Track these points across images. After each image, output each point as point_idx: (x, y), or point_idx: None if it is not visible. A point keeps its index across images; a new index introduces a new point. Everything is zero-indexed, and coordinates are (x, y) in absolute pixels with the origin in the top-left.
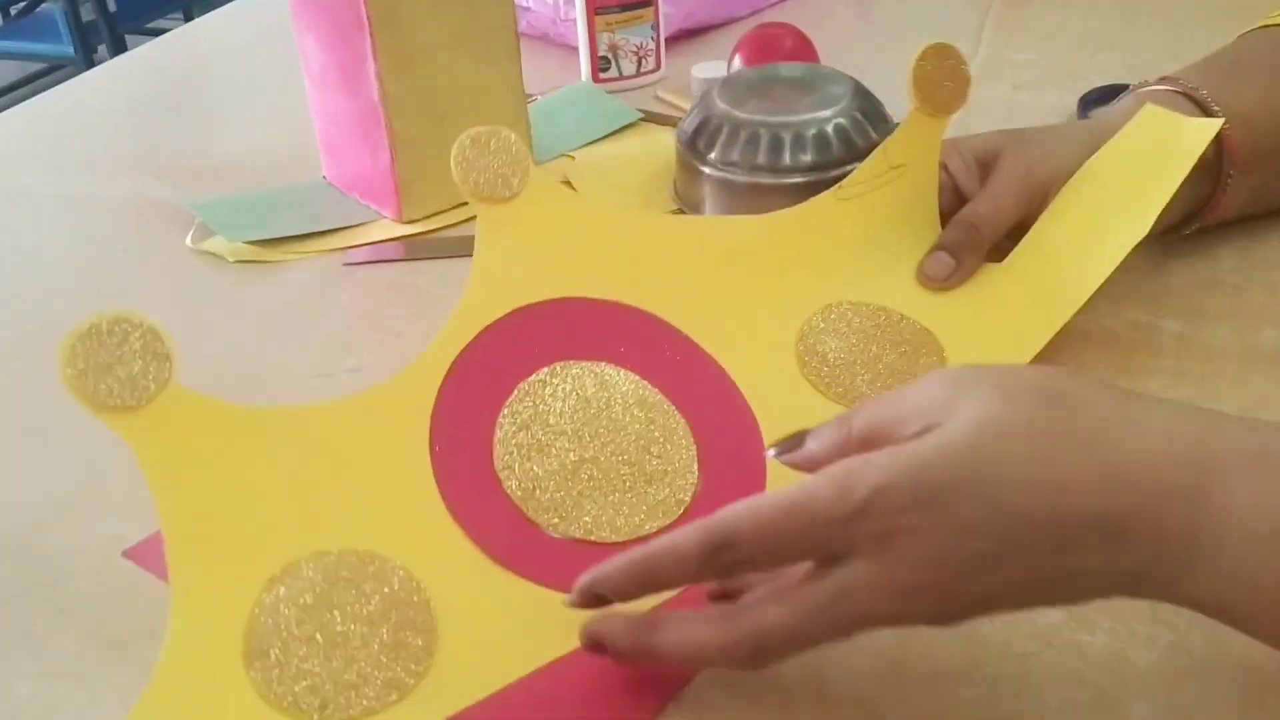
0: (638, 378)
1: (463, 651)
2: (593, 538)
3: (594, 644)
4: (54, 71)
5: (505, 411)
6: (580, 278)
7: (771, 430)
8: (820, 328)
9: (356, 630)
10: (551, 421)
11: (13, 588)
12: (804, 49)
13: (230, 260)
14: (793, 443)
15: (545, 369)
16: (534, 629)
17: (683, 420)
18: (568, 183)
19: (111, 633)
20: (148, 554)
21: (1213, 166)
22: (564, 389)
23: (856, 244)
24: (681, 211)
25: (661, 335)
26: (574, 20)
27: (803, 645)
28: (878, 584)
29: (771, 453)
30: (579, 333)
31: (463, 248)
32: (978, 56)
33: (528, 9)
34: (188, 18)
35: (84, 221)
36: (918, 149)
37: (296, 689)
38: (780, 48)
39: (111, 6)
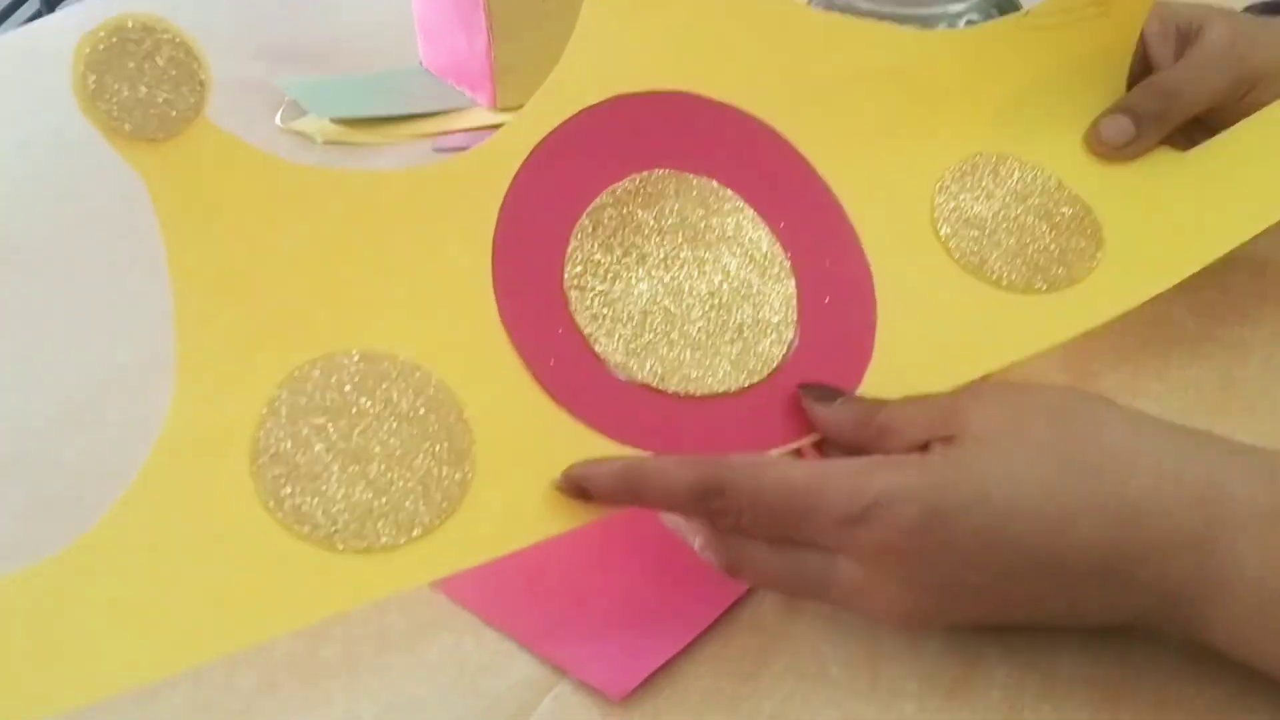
0: (745, 204)
1: (499, 494)
2: (664, 386)
3: (575, 488)
4: None
5: (586, 218)
6: (700, 70)
7: (887, 290)
8: (964, 178)
9: (384, 449)
10: (638, 240)
11: (68, 454)
12: None
13: (319, 141)
14: (825, 394)
15: (641, 174)
16: None
17: (788, 264)
18: None
19: None
20: None
21: None
22: (660, 203)
23: (1031, 85)
24: None
25: (781, 157)
26: None
27: (771, 589)
28: (859, 588)
29: (801, 392)
30: (688, 137)
31: None
32: None
33: None
34: None
35: None
36: None
37: (305, 502)
38: None
39: None
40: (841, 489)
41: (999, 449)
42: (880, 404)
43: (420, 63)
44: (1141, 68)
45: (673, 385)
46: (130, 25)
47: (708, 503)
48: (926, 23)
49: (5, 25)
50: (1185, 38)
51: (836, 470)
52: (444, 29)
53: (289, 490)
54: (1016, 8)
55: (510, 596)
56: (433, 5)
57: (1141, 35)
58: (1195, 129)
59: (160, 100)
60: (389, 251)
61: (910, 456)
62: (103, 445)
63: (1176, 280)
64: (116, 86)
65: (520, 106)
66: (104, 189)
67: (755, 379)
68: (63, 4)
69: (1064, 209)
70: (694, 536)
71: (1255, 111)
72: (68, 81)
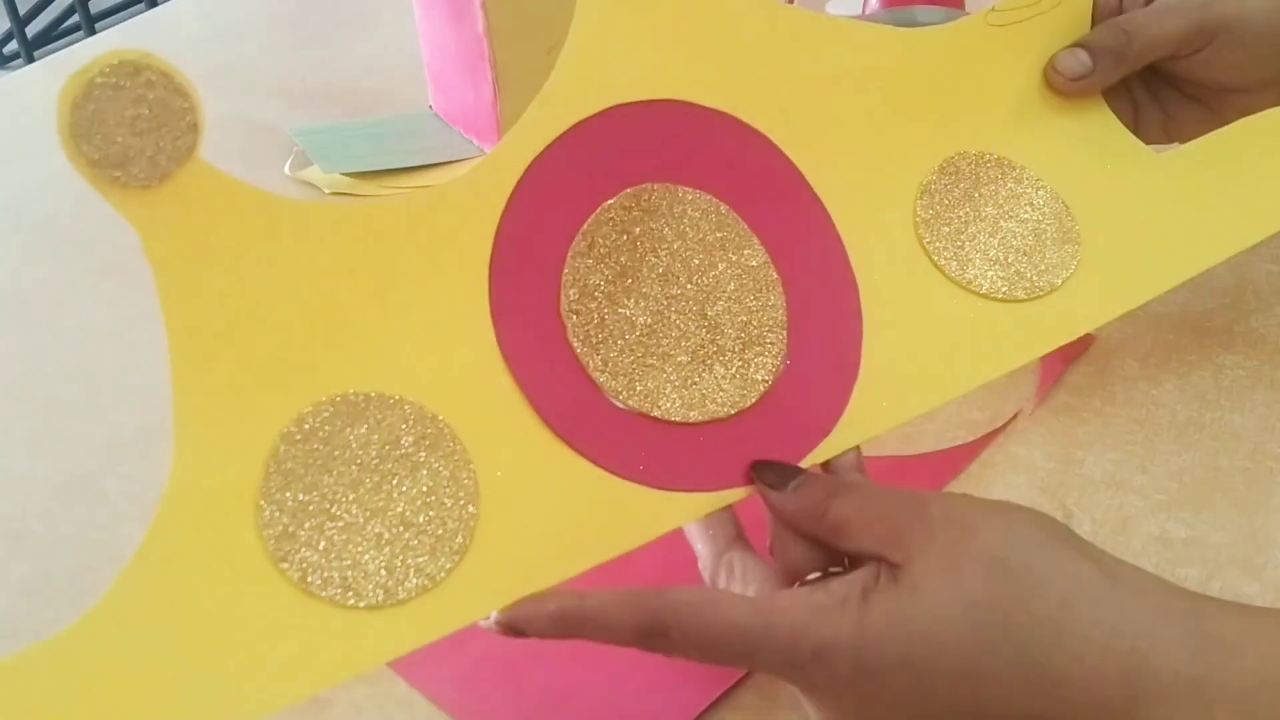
0: (737, 217)
1: (505, 536)
2: (659, 413)
3: (511, 630)
4: None
5: (580, 239)
6: (693, 77)
7: (872, 302)
8: (945, 178)
9: (389, 496)
10: (632, 261)
11: (68, 528)
12: None
13: (326, 192)
14: (781, 477)
15: (634, 189)
16: (585, 520)
17: (778, 279)
18: None
19: None
20: None
21: None
22: (653, 219)
23: (1002, 80)
24: None
25: (771, 166)
26: None
27: None
28: (797, 701)
29: (754, 474)
30: (681, 149)
31: None
32: None
33: None
34: None
35: None
36: None
37: (312, 557)
38: None
39: None
40: (781, 638)
41: (931, 605)
42: (833, 489)
43: (430, 107)
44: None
45: (668, 411)
46: (117, 64)
47: (650, 641)
48: None
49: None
50: None
51: (777, 616)
52: (452, 77)
53: (297, 546)
54: None
55: (488, 697)
56: (441, 54)
57: None
58: (1158, 84)
59: (151, 144)
60: (386, 286)
61: (848, 604)
62: (103, 519)
63: (1158, 292)
64: (104, 132)
65: None
66: (120, 237)
67: (748, 401)
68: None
69: (1044, 208)
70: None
71: (1216, 66)
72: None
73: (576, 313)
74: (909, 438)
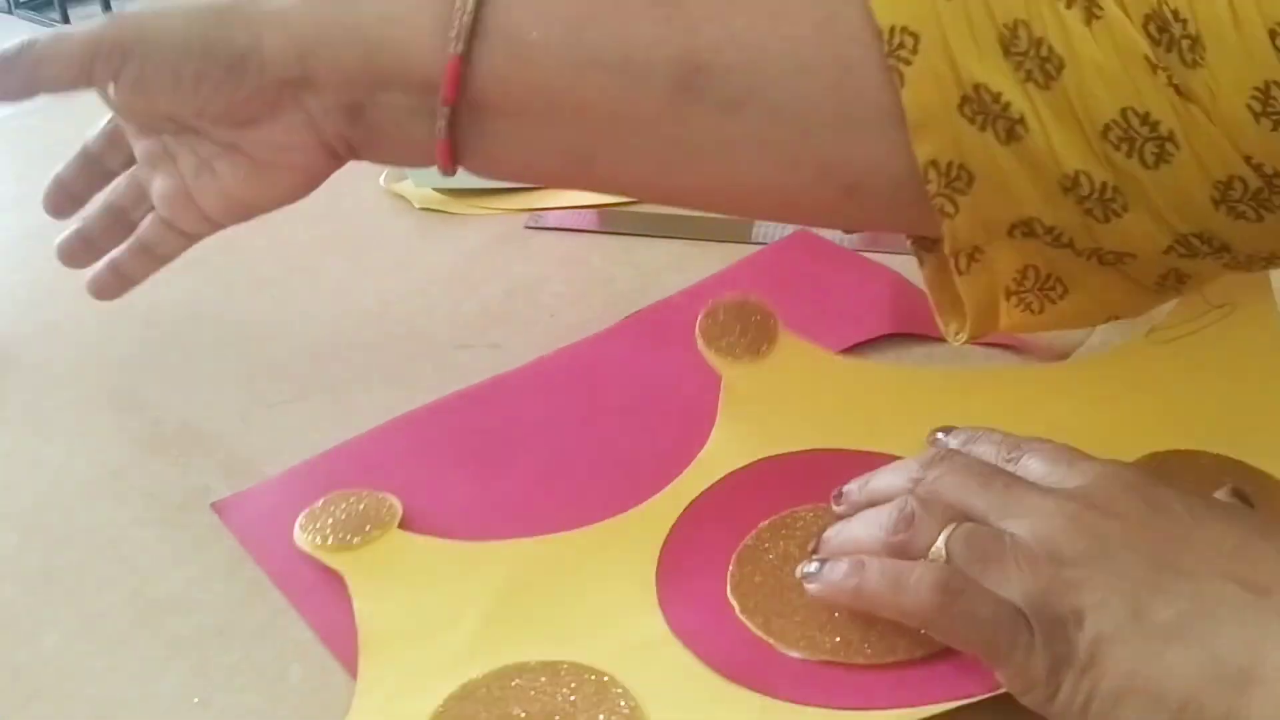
0: None
1: None
2: (840, 658)
3: None
4: None
5: (746, 543)
6: (835, 429)
7: None
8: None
9: None
10: (796, 555)
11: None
12: None
13: (416, 206)
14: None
15: (789, 509)
16: None
17: None
18: None
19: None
20: (233, 510)
21: None
22: (811, 529)
23: (1183, 388)
24: None
25: None
26: None
27: None
28: None
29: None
30: (832, 478)
31: (658, 226)
32: None
33: None
34: None
35: None
36: (1242, 286)
37: None
38: None
39: None
40: None
41: None
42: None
43: None
44: None
45: (849, 657)
46: (338, 498)
47: None
48: None
49: None
50: None
51: None
52: None
53: None
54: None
55: None
56: None
57: None
58: None
59: (359, 527)
60: (565, 597)
61: None
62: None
63: None
64: (326, 521)
65: None
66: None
67: (928, 650)
68: None
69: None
70: None
71: None
72: None
73: (744, 595)
74: None
